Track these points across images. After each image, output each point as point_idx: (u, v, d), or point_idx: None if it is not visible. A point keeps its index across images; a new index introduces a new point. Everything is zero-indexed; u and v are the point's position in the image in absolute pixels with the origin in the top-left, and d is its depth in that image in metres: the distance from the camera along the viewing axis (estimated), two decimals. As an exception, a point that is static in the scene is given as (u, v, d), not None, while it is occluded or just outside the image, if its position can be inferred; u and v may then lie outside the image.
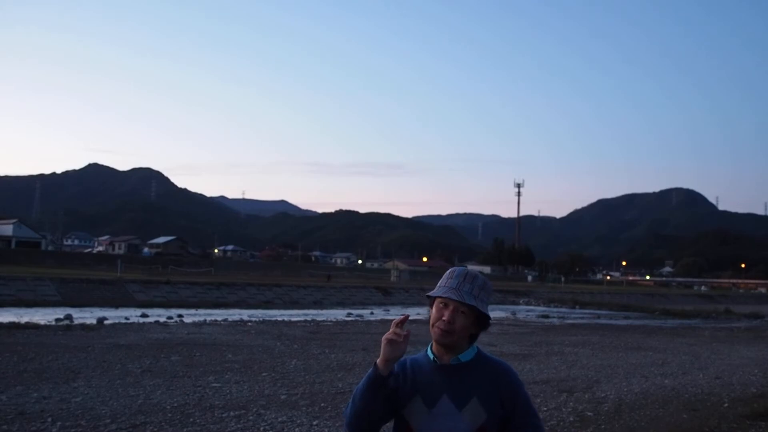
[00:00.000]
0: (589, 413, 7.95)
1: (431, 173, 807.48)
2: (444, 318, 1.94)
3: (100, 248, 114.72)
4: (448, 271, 2.05)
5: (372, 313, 30.24)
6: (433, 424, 1.90)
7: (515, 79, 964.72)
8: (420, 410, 1.92)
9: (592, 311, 40.27)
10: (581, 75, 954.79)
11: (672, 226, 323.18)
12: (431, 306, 2.02)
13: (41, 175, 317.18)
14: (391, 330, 1.86)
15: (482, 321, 2.00)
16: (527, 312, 34.99)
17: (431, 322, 1.98)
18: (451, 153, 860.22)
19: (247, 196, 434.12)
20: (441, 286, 2.00)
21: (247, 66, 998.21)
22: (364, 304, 37.24)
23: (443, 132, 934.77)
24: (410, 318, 1.95)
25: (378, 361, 1.87)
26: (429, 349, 2.02)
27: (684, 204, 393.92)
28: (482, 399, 1.93)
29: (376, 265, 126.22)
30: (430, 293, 2.03)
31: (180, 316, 23.09)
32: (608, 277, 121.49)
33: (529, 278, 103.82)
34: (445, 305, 1.95)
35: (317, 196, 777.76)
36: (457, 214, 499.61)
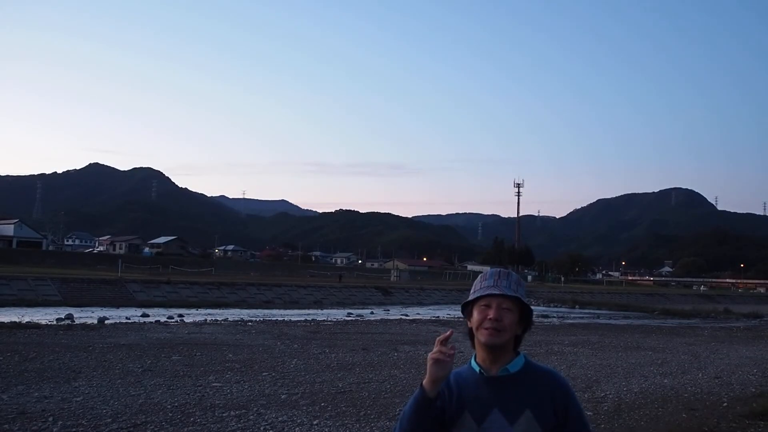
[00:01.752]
0: (588, 413, 7.94)
1: (431, 173, 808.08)
2: (490, 316, 1.83)
3: (101, 248, 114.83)
4: (479, 277, 1.97)
5: (372, 313, 30.24)
6: None
7: (515, 79, 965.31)
8: (469, 427, 1.81)
9: (591, 311, 40.35)
10: (581, 76, 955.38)
11: (671, 226, 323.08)
12: (469, 316, 1.92)
13: (42, 175, 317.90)
14: (436, 348, 1.74)
15: (526, 318, 1.90)
16: (527, 312, 34.87)
17: (475, 327, 1.87)
18: (451, 153, 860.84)
19: (248, 196, 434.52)
20: (476, 290, 1.91)
21: (247, 67, 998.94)
22: (364, 304, 37.25)
23: (443, 132, 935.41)
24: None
25: (424, 382, 1.75)
26: (473, 362, 1.91)
27: (683, 204, 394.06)
28: (535, 411, 1.81)
29: (376, 265, 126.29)
30: (467, 300, 1.92)
31: (180, 315, 23.14)
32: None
33: (529, 278, 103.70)
34: (487, 305, 1.85)
35: (317, 196, 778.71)
36: (457, 214, 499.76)
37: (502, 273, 1.93)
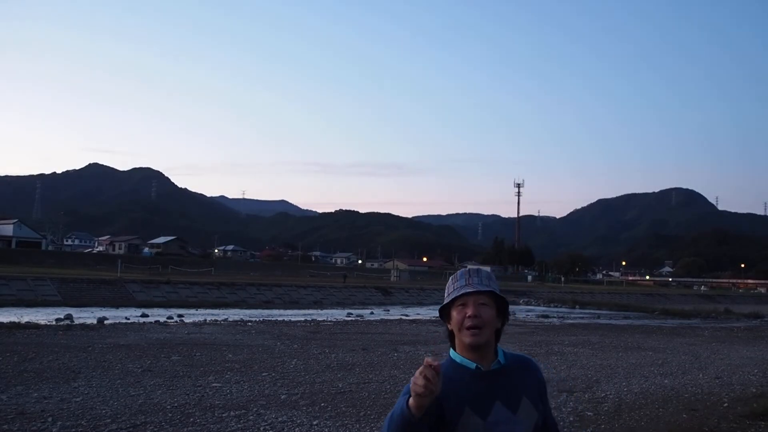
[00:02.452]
0: (589, 413, 7.96)
1: (431, 173, 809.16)
2: (469, 314, 1.84)
3: (101, 248, 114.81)
4: (450, 280, 1.98)
5: (372, 313, 30.23)
6: None
7: (515, 79, 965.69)
8: (474, 423, 1.80)
9: (591, 311, 40.27)
10: (581, 75, 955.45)
11: (672, 226, 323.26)
12: (447, 319, 1.93)
13: (41, 175, 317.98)
14: (420, 381, 1.59)
15: (502, 311, 1.93)
16: (527, 312, 34.95)
17: (456, 328, 1.87)
18: (451, 153, 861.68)
19: (247, 196, 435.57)
20: (450, 293, 1.92)
21: (247, 66, 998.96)
22: (364, 304, 37.24)
23: (443, 132, 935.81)
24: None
25: (410, 404, 1.64)
26: (461, 358, 1.89)
27: (684, 204, 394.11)
28: (530, 397, 1.89)
29: (376, 265, 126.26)
30: (442, 305, 1.93)
31: (180, 316, 23.11)
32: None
33: (529, 278, 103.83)
34: (464, 304, 1.87)
35: (317, 196, 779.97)
36: (457, 214, 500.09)
37: (472, 271, 1.96)
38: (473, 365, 1.87)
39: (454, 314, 1.89)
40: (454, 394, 1.81)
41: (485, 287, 1.88)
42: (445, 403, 1.78)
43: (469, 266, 1.98)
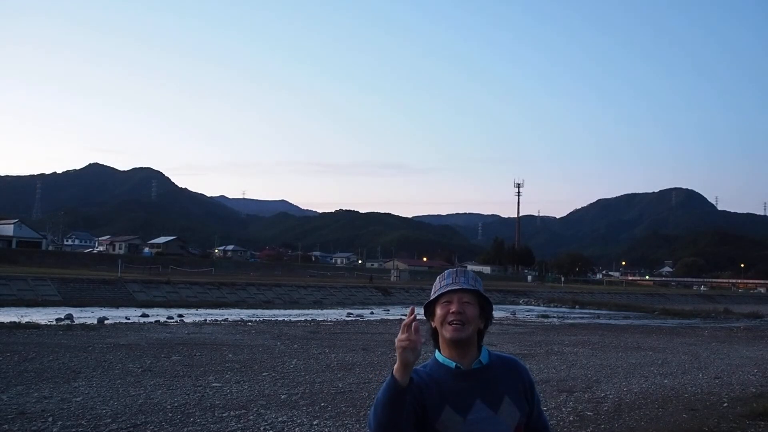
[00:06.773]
0: (588, 413, 7.97)
1: (431, 173, 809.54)
2: (452, 310, 1.89)
3: (101, 248, 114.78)
4: (437, 278, 2.03)
5: (372, 313, 30.24)
6: (472, 431, 1.85)
7: (515, 79, 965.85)
8: (454, 420, 1.84)
9: (591, 311, 40.26)
10: (581, 75, 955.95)
11: (671, 226, 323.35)
12: (431, 316, 1.97)
13: (42, 175, 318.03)
14: (403, 335, 1.73)
15: (486, 311, 1.97)
16: (527, 312, 34.97)
17: (439, 323, 1.92)
18: (451, 153, 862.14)
19: (247, 196, 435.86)
20: (437, 290, 1.96)
21: (248, 66, 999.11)
22: (364, 304, 37.26)
23: (443, 132, 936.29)
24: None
25: (395, 369, 1.73)
26: (443, 358, 1.94)
27: (683, 204, 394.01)
28: (512, 397, 1.92)
29: (376, 265, 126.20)
30: (428, 302, 1.97)
31: (180, 315, 23.12)
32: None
33: (529, 278, 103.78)
34: (449, 301, 1.92)
35: (317, 196, 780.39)
36: (457, 214, 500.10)
37: (459, 271, 2.02)
38: (453, 364, 1.92)
39: (438, 310, 1.95)
40: (435, 392, 1.87)
41: (471, 286, 1.94)
42: (429, 396, 1.85)
43: (456, 268, 2.01)
